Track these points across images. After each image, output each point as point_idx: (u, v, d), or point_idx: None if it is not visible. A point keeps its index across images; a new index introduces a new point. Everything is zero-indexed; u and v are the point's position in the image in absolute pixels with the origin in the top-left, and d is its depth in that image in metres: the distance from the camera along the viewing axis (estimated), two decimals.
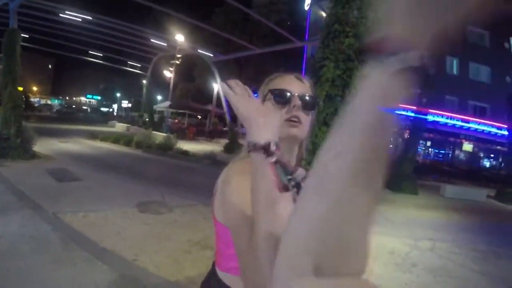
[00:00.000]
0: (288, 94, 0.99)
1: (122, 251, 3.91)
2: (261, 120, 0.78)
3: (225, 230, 0.90)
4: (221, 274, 0.97)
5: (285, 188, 0.73)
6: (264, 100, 1.01)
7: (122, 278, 3.37)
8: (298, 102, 0.98)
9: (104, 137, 15.37)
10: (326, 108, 3.58)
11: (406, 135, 15.43)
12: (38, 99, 51.74)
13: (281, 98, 0.99)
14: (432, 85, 11.23)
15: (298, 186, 0.82)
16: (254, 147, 0.75)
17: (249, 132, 0.78)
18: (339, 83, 3.72)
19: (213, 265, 1.03)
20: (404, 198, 9.76)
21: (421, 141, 16.22)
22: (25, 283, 3.06)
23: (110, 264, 3.62)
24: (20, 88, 9.67)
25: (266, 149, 0.74)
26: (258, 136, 0.76)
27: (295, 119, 0.98)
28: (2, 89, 9.02)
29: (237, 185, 0.85)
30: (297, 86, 1.02)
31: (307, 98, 1.01)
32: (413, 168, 11.15)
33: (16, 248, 3.77)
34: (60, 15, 13.57)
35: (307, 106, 1.00)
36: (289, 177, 0.84)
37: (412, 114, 12.78)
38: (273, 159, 0.74)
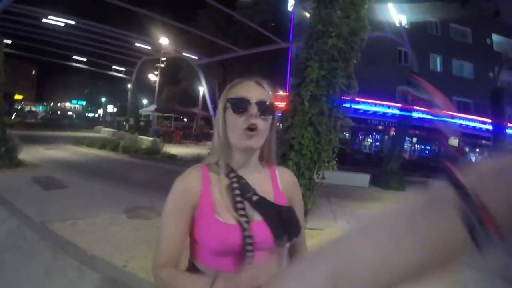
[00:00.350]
0: (246, 102, 1.02)
1: (112, 258, 3.87)
2: None
3: None
4: (197, 263, 1.05)
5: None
6: (224, 108, 1.06)
7: (112, 285, 3.35)
8: (255, 111, 1.01)
9: (90, 143, 15.25)
10: (311, 109, 3.61)
11: (392, 133, 15.63)
12: (22, 106, 50.84)
13: (238, 107, 1.02)
14: (416, 83, 11.41)
15: (258, 201, 1.02)
16: None
17: None
18: (324, 83, 3.76)
19: None
20: (392, 194, 9.89)
21: (407, 138, 16.44)
22: None
23: (100, 271, 3.59)
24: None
25: None
26: None
27: (253, 127, 1.00)
28: None
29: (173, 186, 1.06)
30: (255, 92, 1.05)
31: (265, 104, 1.04)
32: (400, 165, 11.31)
33: (4, 259, 3.72)
34: (43, 20, 13.35)
35: (265, 112, 1.03)
36: (250, 193, 1.02)
37: (398, 112, 12.97)
38: None
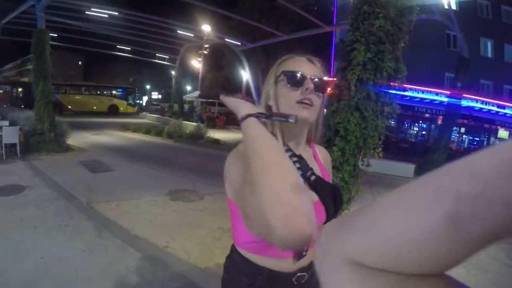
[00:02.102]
0: (301, 76, 1.00)
1: (154, 238, 3.98)
2: (244, 105, 0.87)
3: (235, 206, 0.95)
4: (239, 249, 1.04)
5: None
6: (276, 81, 1.04)
7: (153, 264, 3.42)
8: (311, 85, 0.99)
9: (136, 129, 15.80)
10: (357, 93, 3.45)
11: (440, 121, 14.86)
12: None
13: (294, 80, 1.00)
14: (466, 69, 10.71)
15: (316, 181, 1.01)
16: (247, 116, 0.81)
17: (238, 113, 0.85)
18: (371, 66, 3.57)
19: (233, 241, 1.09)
20: None
21: (455, 128, 15.55)
22: (59, 270, 3.16)
23: (142, 250, 3.69)
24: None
25: (256, 115, 0.82)
26: (245, 110, 0.83)
27: (308, 102, 0.99)
28: (34, 87, 9.36)
29: (234, 161, 0.94)
30: (309, 68, 1.03)
31: (319, 81, 1.02)
32: (446, 156, 10.72)
33: (52, 236, 3.92)
34: (87, 12, 13.84)
35: (319, 89, 1.02)
36: (309, 173, 1.01)
37: (446, 99, 12.25)
38: (293, 119, 0.85)
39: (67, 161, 8.18)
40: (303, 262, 0.98)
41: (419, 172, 10.41)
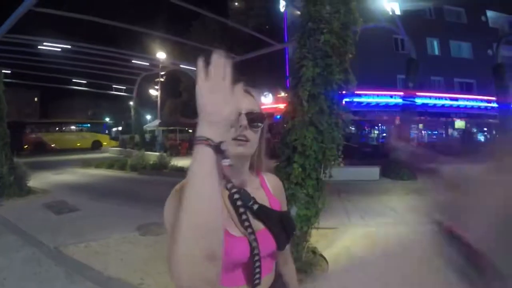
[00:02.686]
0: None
1: (128, 277, 3.88)
2: (222, 119, 0.76)
3: None
4: None
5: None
6: None
7: None
8: (245, 122, 1.00)
9: (98, 164, 15.33)
10: (310, 108, 3.57)
11: (397, 122, 15.49)
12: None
13: None
14: (416, 69, 11.33)
15: (259, 209, 1.01)
16: (206, 142, 0.73)
17: (203, 125, 0.76)
18: (320, 81, 3.72)
19: None
20: (403, 184, 9.77)
21: (413, 126, 16.24)
22: None
23: None
24: None
25: (218, 149, 0.74)
26: (213, 134, 0.74)
27: (242, 138, 0.99)
28: None
29: (169, 201, 0.93)
30: (245, 102, 1.02)
31: (254, 115, 1.02)
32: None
33: (22, 287, 3.74)
34: (39, 47, 13.52)
35: (254, 123, 1.02)
36: (251, 202, 1.01)
37: (400, 100, 12.83)
38: (227, 162, 0.76)
39: (30, 205, 7.81)
40: None
41: (384, 173, 10.78)
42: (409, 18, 17.92)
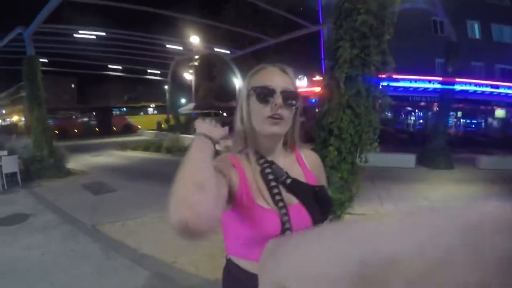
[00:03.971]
0: (270, 91, 1.01)
1: (162, 255, 3.99)
2: (204, 126, 1.00)
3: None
4: (230, 257, 1.08)
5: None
6: (248, 95, 1.05)
7: (163, 281, 3.44)
8: (280, 101, 1.00)
9: (135, 147, 15.82)
10: (348, 91, 3.46)
11: (435, 108, 14.88)
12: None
13: (263, 96, 1.01)
14: (455, 53, 10.75)
15: (292, 183, 1.03)
16: (197, 133, 0.96)
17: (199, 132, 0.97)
18: (358, 62, 3.59)
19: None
20: (439, 174, 9.43)
21: (451, 113, 15.51)
22: None
23: (150, 268, 3.70)
24: None
25: (210, 138, 0.95)
26: (200, 129, 0.98)
27: (277, 116, 1.01)
28: (29, 114, 9.38)
29: None
30: (280, 80, 1.03)
31: (289, 93, 1.03)
32: (445, 142, 10.73)
33: (59, 261, 3.93)
34: (74, 35, 13.92)
35: (289, 101, 1.03)
36: (284, 176, 1.03)
37: (439, 86, 12.28)
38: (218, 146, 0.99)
39: (69, 185, 8.20)
40: None
41: (420, 161, 10.42)
42: None
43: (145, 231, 4.86)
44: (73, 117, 27.98)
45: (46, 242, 4.54)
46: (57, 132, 19.46)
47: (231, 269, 1.08)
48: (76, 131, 26.06)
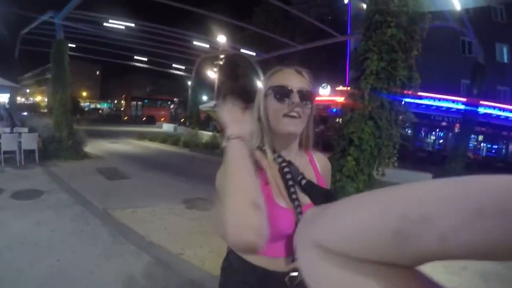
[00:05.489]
0: (288, 90, 1.05)
1: (169, 245, 4.02)
2: (233, 124, 0.95)
3: None
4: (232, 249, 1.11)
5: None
6: (265, 94, 1.10)
7: (167, 270, 3.46)
8: (297, 99, 1.04)
9: (152, 137, 16.00)
10: (371, 102, 3.45)
11: (457, 129, 14.58)
12: (88, 103, 54.80)
13: (281, 95, 1.05)
14: (482, 75, 10.52)
15: (307, 184, 1.05)
16: (231, 137, 0.91)
17: (226, 131, 0.93)
18: (384, 75, 3.58)
19: None
20: None
21: (472, 136, 15.15)
22: (73, 273, 3.23)
23: (156, 257, 3.73)
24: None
25: (241, 138, 0.91)
26: (231, 130, 0.92)
27: (294, 114, 1.04)
28: (52, 95, 9.63)
29: (219, 175, 1.02)
30: (296, 81, 1.07)
31: (305, 92, 1.06)
32: (464, 165, 10.50)
33: (67, 240, 4.01)
34: (104, 24, 14.17)
35: (305, 100, 1.06)
36: (300, 176, 1.05)
37: (462, 107, 12.03)
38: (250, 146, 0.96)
39: (84, 168, 8.36)
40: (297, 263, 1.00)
41: None
42: (478, 19, 16.59)
43: (154, 220, 4.91)
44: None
45: (56, 220, 4.64)
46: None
47: (232, 261, 1.11)
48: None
